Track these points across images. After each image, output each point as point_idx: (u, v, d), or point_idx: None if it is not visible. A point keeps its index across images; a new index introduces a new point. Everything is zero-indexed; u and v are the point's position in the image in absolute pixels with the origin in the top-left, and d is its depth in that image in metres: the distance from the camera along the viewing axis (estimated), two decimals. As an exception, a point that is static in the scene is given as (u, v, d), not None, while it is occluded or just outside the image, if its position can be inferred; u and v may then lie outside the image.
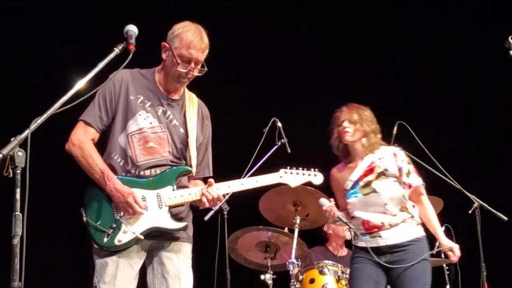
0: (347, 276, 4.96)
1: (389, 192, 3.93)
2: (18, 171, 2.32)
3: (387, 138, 4.30)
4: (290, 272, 4.75)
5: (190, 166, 3.25)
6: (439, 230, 4.04)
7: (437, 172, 4.69)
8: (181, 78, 3.21)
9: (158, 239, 3.18)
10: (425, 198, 4.08)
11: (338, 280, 4.96)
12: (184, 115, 3.28)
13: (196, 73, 3.21)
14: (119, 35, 2.82)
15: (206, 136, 3.41)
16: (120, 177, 3.15)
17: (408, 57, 7.01)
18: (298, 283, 4.86)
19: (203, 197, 3.16)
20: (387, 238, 3.94)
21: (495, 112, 6.79)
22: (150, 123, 3.20)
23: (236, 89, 6.50)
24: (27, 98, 5.72)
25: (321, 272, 4.96)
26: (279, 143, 4.79)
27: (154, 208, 3.13)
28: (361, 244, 4.03)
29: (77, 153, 3.13)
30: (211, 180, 3.22)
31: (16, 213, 2.31)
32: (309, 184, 3.55)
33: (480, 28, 6.74)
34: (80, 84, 2.61)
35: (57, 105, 2.52)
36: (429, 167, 4.60)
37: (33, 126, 2.42)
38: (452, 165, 4.85)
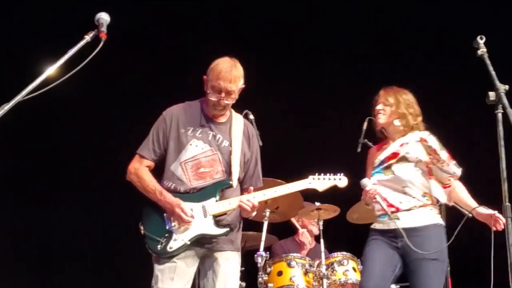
0: (315, 269, 5.04)
1: (407, 176, 3.89)
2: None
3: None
4: (258, 265, 4.80)
5: (231, 179, 3.62)
6: (469, 201, 3.94)
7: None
8: (216, 106, 3.61)
9: (209, 247, 3.61)
10: (457, 182, 4.00)
11: (306, 273, 5.01)
12: (230, 135, 3.68)
13: (227, 102, 3.58)
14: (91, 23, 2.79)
15: (254, 152, 3.80)
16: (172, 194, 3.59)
17: (382, 56, 7.04)
18: (265, 275, 4.93)
19: (241, 205, 3.56)
20: (404, 221, 3.85)
21: (461, 109, 6.84)
22: (202, 148, 3.62)
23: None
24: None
25: (289, 265, 5.00)
26: None
27: (200, 218, 3.56)
28: (378, 226, 3.97)
29: (134, 180, 3.64)
30: (251, 188, 3.65)
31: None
32: (334, 187, 3.78)
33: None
34: (49, 71, 2.60)
35: (25, 92, 2.50)
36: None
37: (0, 112, 2.40)
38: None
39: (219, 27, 6.83)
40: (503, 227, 3.58)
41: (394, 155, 3.97)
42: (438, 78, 6.87)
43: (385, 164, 3.98)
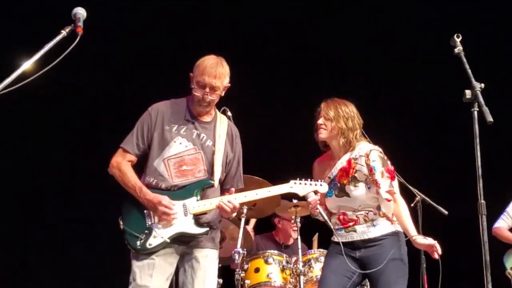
0: (292, 266, 5.05)
1: (361, 197, 3.89)
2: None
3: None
4: (235, 261, 4.79)
5: (213, 179, 3.64)
6: (410, 228, 3.85)
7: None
8: (201, 102, 3.62)
9: (188, 245, 3.63)
10: (397, 196, 3.93)
11: (283, 269, 5.01)
12: (214, 134, 3.70)
13: (211, 98, 3.60)
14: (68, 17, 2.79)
15: (237, 153, 3.82)
16: (152, 190, 3.60)
17: (358, 50, 7.09)
18: (243, 272, 4.91)
19: (222, 206, 3.57)
20: (361, 233, 3.91)
21: (438, 107, 6.92)
22: (186, 146, 3.63)
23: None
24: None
25: (266, 262, 5.01)
26: None
27: (180, 216, 3.57)
28: (336, 239, 3.97)
29: (116, 173, 3.63)
30: (232, 189, 3.69)
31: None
32: (315, 192, 3.79)
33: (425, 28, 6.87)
34: (26, 65, 2.59)
35: (1, 86, 2.49)
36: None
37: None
38: (396, 159, 4.90)
39: (200, 24, 6.83)
40: (437, 257, 3.76)
41: (345, 174, 3.93)
42: (413, 77, 6.93)
43: (338, 185, 3.95)
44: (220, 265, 4.91)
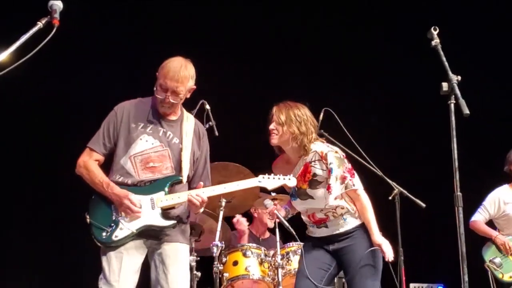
0: (270, 259, 5.08)
1: (323, 199, 3.90)
2: None
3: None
4: (214, 254, 4.77)
5: (181, 176, 3.65)
6: (372, 226, 3.88)
7: (359, 159, 4.76)
8: (163, 103, 3.63)
9: (157, 240, 3.64)
10: (359, 194, 3.91)
11: (261, 262, 5.05)
12: (181, 132, 3.70)
13: (173, 101, 3.59)
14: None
15: (204, 151, 3.83)
16: (119, 187, 3.61)
17: (337, 43, 7.10)
18: (221, 265, 4.92)
19: (191, 199, 3.58)
20: (333, 228, 3.94)
21: (417, 100, 6.94)
22: (152, 143, 3.65)
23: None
24: None
25: (245, 255, 5.04)
26: (207, 126, 4.72)
27: (147, 209, 3.58)
28: (310, 233, 4.05)
29: (83, 172, 3.65)
30: (201, 183, 3.68)
31: None
32: (284, 186, 3.86)
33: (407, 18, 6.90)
34: (1, 57, 2.59)
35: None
36: (352, 154, 4.66)
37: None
38: (374, 152, 4.93)
39: (175, 16, 6.80)
40: (386, 258, 3.81)
41: (302, 179, 3.91)
42: (391, 70, 6.94)
43: (298, 190, 3.95)
44: (198, 258, 5.09)
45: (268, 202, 4.16)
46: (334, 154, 3.88)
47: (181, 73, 3.57)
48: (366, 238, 3.89)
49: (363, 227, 3.93)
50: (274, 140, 3.91)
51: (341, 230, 3.94)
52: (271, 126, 3.91)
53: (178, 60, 3.63)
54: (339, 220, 3.93)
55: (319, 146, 3.91)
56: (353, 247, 3.89)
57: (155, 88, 3.62)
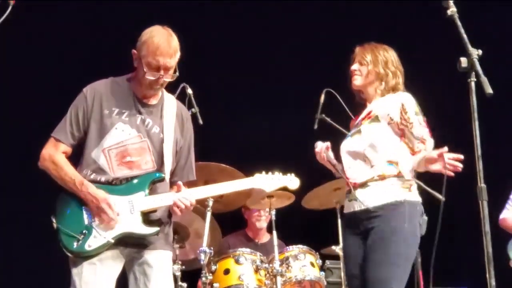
0: (267, 265, 4.81)
1: (373, 135, 3.58)
2: None
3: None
4: (201, 262, 4.51)
5: (163, 172, 3.38)
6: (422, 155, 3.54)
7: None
8: (153, 85, 3.33)
9: (137, 248, 3.34)
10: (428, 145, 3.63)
11: (257, 270, 4.76)
12: (162, 119, 3.44)
13: (166, 79, 3.33)
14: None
15: (188, 139, 3.54)
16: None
17: (333, 25, 6.79)
18: (210, 274, 4.67)
19: (176, 203, 3.31)
20: (362, 200, 3.56)
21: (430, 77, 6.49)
22: (129, 134, 3.34)
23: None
24: None
25: (237, 262, 4.76)
26: (190, 113, 4.28)
27: (125, 214, 3.28)
28: (345, 210, 3.75)
29: (49, 167, 3.33)
30: (179, 182, 3.37)
31: None
32: (285, 188, 3.74)
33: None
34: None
35: None
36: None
37: None
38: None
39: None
40: (460, 169, 3.40)
41: (368, 115, 3.67)
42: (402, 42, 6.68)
43: (357, 128, 3.68)
44: (183, 266, 4.80)
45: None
46: (415, 103, 3.65)
47: (172, 45, 3.28)
48: (397, 220, 3.49)
49: (399, 206, 3.52)
50: (357, 81, 3.75)
51: (371, 204, 3.54)
52: (354, 67, 3.77)
53: (161, 31, 3.31)
54: (369, 191, 3.59)
55: (402, 93, 3.70)
56: (379, 229, 3.53)
57: (143, 69, 3.27)
